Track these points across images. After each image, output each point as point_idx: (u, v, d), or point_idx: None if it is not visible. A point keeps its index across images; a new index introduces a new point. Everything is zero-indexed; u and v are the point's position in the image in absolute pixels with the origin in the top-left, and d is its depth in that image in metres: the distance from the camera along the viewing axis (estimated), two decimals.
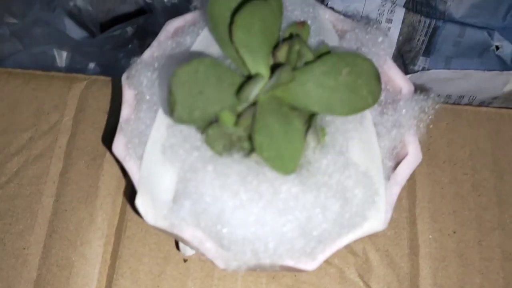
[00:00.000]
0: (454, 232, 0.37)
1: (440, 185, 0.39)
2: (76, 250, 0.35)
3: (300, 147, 0.23)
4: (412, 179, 0.39)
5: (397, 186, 0.28)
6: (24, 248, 0.35)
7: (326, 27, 0.30)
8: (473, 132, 0.40)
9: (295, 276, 0.36)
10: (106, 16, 0.67)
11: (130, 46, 0.60)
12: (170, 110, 0.23)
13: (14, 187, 0.37)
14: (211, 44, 0.28)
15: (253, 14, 0.23)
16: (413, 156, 0.28)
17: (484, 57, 0.40)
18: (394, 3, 0.39)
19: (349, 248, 0.37)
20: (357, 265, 0.36)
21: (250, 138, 0.24)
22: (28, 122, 0.39)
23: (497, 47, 0.40)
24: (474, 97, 0.42)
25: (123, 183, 0.37)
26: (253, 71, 0.24)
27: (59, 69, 0.57)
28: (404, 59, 0.40)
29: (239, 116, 0.24)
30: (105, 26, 0.66)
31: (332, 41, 0.29)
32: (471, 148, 0.40)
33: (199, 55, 0.26)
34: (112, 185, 0.37)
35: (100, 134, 0.39)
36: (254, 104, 0.24)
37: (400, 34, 0.39)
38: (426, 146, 0.40)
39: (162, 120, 0.26)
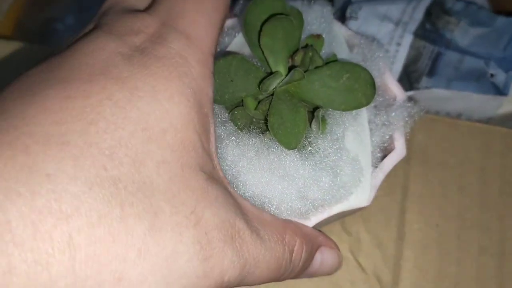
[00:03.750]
0: (437, 225, 0.43)
1: (430, 184, 0.45)
2: None
3: (303, 130, 0.30)
4: (406, 176, 0.45)
5: (382, 173, 0.34)
6: None
7: (339, 40, 0.36)
8: (465, 142, 0.46)
9: None
10: None
11: None
12: None
13: None
14: (244, 46, 0.35)
15: (277, 25, 0.30)
16: (399, 151, 0.35)
17: (481, 82, 0.45)
18: (404, 30, 0.46)
19: (344, 227, 0.43)
20: (350, 243, 0.43)
21: (266, 120, 0.31)
22: None
23: (492, 75, 0.45)
24: (471, 116, 0.48)
25: None
26: (274, 69, 0.32)
27: None
28: (409, 78, 0.45)
29: (259, 102, 0.32)
30: None
31: (343, 52, 0.36)
32: (462, 156, 0.45)
33: (234, 53, 0.33)
34: None
35: None
36: (272, 94, 0.31)
37: (407, 56, 0.46)
38: (422, 149, 0.46)
39: None
